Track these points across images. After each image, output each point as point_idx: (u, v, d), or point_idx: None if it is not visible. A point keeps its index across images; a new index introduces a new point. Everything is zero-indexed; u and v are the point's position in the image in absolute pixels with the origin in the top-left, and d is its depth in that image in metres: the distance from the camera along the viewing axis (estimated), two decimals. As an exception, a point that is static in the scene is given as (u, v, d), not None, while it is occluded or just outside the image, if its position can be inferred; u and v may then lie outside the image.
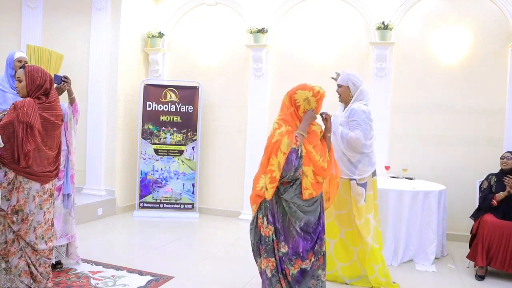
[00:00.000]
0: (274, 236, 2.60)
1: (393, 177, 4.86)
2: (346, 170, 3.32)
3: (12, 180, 2.58)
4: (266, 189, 2.56)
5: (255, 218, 2.68)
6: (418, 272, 3.82)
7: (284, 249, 2.59)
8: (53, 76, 3.22)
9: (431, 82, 5.08)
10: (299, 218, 2.57)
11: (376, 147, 5.12)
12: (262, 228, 2.64)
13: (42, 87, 2.67)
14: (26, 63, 3.13)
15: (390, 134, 5.19)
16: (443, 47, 5.02)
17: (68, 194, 3.41)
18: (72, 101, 3.39)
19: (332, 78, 3.60)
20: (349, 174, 3.33)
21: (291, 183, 2.55)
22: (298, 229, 2.58)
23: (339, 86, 3.41)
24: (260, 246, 2.66)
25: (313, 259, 2.62)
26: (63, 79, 3.23)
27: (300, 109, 2.66)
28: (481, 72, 4.90)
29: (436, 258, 4.13)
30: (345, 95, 3.40)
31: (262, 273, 2.68)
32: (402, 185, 4.26)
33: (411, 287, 3.49)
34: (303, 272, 2.61)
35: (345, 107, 3.43)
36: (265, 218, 2.62)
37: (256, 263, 2.73)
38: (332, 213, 3.43)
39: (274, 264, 2.61)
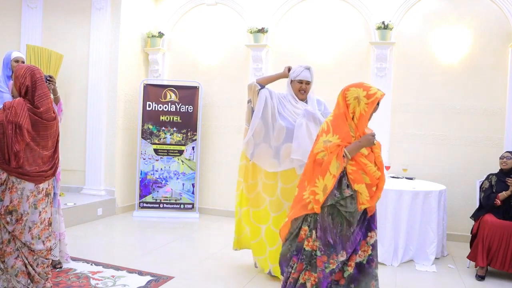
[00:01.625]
0: (319, 252, 2.36)
1: (393, 177, 4.86)
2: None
3: (4, 180, 2.57)
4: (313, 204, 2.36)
5: (298, 228, 2.45)
6: (418, 272, 3.82)
7: (343, 257, 2.35)
8: None
9: (431, 82, 5.08)
10: (357, 217, 2.38)
11: (376, 147, 5.18)
12: (308, 241, 2.40)
13: (24, 86, 2.63)
14: (23, 63, 3.12)
15: (390, 134, 5.18)
16: (443, 47, 5.02)
17: (54, 193, 3.40)
18: (56, 100, 3.40)
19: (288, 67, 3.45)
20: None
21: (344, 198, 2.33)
22: (355, 226, 2.38)
23: (308, 83, 3.33)
24: (293, 257, 2.46)
25: (370, 252, 2.41)
26: (48, 78, 3.22)
27: (350, 108, 2.35)
28: (481, 72, 4.90)
29: (436, 258, 4.12)
30: (309, 91, 3.37)
31: (289, 284, 2.45)
32: (402, 185, 4.25)
33: (411, 287, 3.49)
34: (359, 267, 2.38)
35: (299, 100, 3.35)
36: (313, 231, 2.38)
37: (282, 273, 2.54)
38: (266, 200, 3.43)
39: (316, 280, 2.37)
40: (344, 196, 2.30)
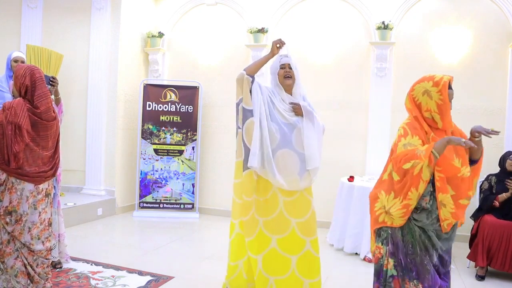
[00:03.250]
0: (394, 272, 2.09)
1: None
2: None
3: (4, 181, 2.57)
4: (389, 213, 2.09)
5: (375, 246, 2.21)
6: (418, 272, 3.82)
7: None
8: None
9: (431, 82, 5.07)
10: (436, 245, 2.09)
11: (376, 147, 5.19)
12: (386, 261, 2.14)
13: (23, 86, 2.62)
14: (23, 63, 3.12)
15: (390, 134, 5.18)
16: (443, 47, 5.01)
17: (54, 194, 3.41)
18: (58, 101, 3.41)
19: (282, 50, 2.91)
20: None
21: (417, 209, 2.09)
22: (435, 260, 2.10)
23: (291, 67, 2.86)
24: (375, 284, 2.19)
25: None
26: (51, 79, 3.22)
27: (422, 107, 2.14)
28: (481, 72, 4.90)
29: (436, 258, 4.12)
30: (294, 78, 2.87)
31: None
32: (402, 185, 4.23)
33: (411, 287, 3.49)
34: None
35: (283, 93, 2.88)
36: (387, 248, 2.13)
37: None
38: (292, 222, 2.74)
39: None
40: (420, 205, 2.07)
